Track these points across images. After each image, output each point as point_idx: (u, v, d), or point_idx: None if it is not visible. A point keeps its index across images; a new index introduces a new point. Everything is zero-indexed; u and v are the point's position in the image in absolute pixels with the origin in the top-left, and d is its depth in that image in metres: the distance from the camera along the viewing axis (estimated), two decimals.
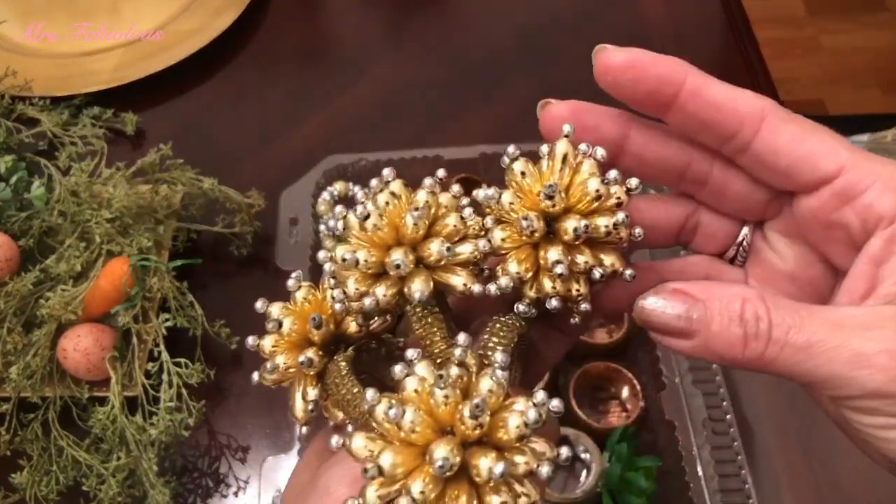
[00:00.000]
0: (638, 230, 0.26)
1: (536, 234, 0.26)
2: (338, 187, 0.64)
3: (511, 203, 0.27)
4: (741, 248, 0.27)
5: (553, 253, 0.26)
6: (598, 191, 0.26)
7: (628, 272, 0.26)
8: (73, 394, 0.56)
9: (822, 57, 1.85)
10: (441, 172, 0.30)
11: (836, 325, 0.21)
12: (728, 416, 0.57)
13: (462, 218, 0.28)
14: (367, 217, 0.29)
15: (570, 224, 0.26)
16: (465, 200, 0.30)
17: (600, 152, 0.27)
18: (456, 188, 0.30)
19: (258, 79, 0.85)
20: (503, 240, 0.27)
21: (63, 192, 0.63)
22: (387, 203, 0.29)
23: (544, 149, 0.28)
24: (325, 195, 0.64)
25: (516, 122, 0.80)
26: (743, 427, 0.57)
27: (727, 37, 0.88)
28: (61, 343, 0.56)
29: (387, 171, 0.30)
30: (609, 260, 0.26)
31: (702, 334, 0.23)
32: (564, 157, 0.27)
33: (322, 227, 0.62)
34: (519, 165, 0.28)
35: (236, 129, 0.80)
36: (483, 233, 0.28)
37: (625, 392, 0.58)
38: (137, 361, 0.57)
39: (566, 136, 0.28)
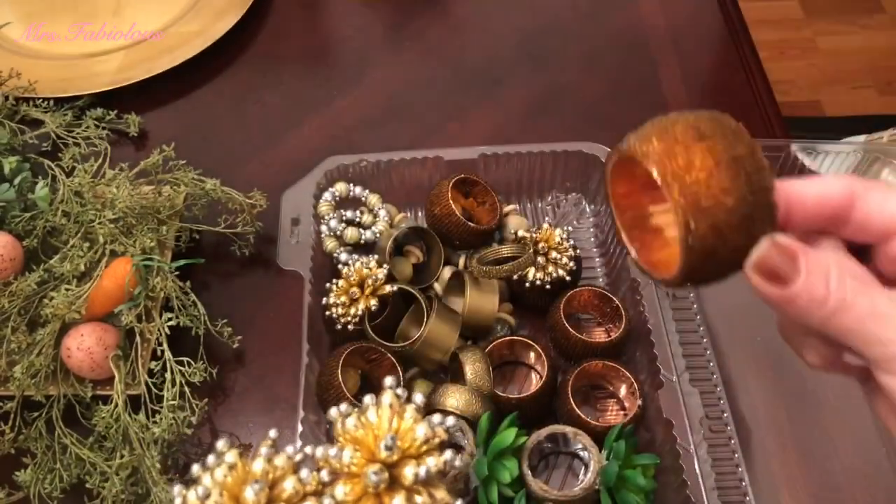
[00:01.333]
0: (458, 463, 0.32)
1: (382, 486, 0.30)
2: (339, 188, 0.65)
3: (352, 458, 0.31)
4: None
5: (398, 500, 0.30)
6: (426, 434, 0.31)
7: None
8: (77, 392, 0.57)
9: (818, 58, 1.86)
10: None
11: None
12: (725, 415, 0.58)
13: (300, 479, 0.32)
14: (207, 496, 0.31)
15: (409, 470, 0.31)
16: (299, 456, 0.33)
17: (419, 399, 0.33)
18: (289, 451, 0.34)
19: (260, 80, 0.85)
20: (346, 494, 0.31)
21: (67, 192, 0.63)
22: (225, 476, 0.31)
23: (368, 400, 0.33)
24: (327, 196, 0.65)
25: (516, 123, 0.81)
26: (740, 425, 0.58)
27: (724, 39, 0.89)
28: (65, 342, 0.57)
29: (220, 444, 0.33)
30: (440, 494, 0.32)
31: (793, 284, 0.27)
32: (391, 406, 0.32)
33: (323, 228, 0.63)
34: (352, 421, 0.32)
35: (238, 130, 0.81)
36: (320, 487, 0.32)
37: (623, 390, 0.59)
38: (140, 360, 0.58)
39: (390, 388, 0.33)
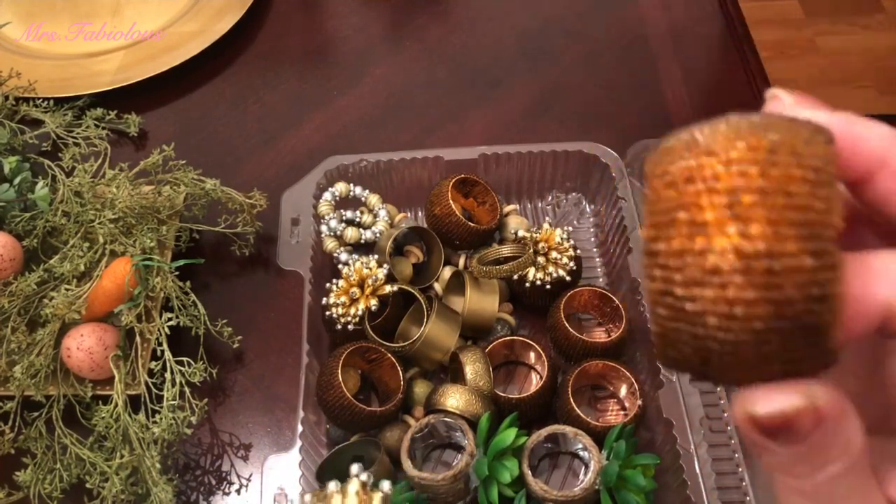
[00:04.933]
0: None
1: None
2: (339, 188, 0.65)
3: None
4: None
5: None
6: None
7: None
8: (77, 392, 0.57)
9: (818, 58, 1.85)
10: None
11: None
12: (725, 415, 0.58)
13: None
14: None
15: None
16: None
17: (386, 486, 0.34)
18: None
19: (260, 80, 0.85)
20: None
21: (67, 192, 0.63)
22: None
23: (332, 486, 0.33)
24: (327, 195, 0.65)
25: (516, 123, 0.81)
26: None
27: (725, 38, 0.89)
28: (65, 342, 0.57)
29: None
30: None
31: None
32: (357, 494, 0.33)
33: (323, 228, 0.63)
34: None
35: (238, 130, 0.81)
36: None
37: (623, 390, 0.59)
38: (140, 360, 0.58)
39: (356, 476, 0.35)
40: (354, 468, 0.33)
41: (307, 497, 0.32)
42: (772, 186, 0.17)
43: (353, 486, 0.31)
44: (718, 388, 0.59)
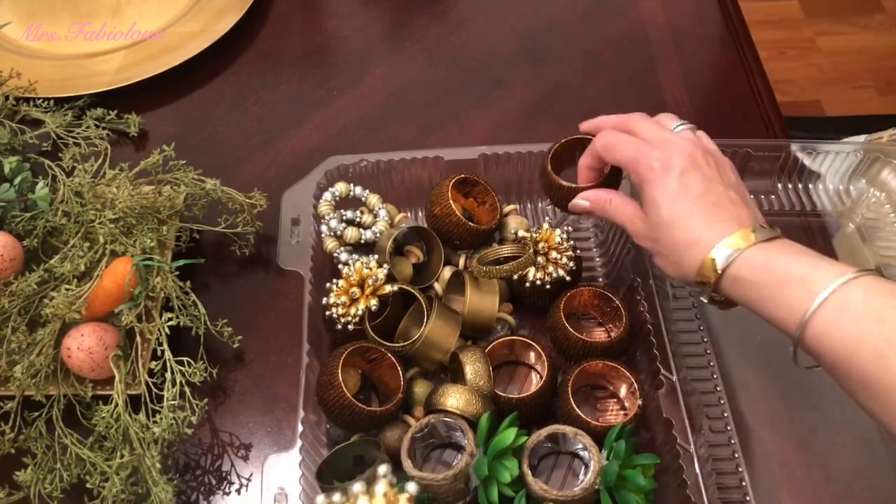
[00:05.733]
0: None
1: None
2: (339, 188, 0.65)
3: None
4: None
5: None
6: None
7: None
8: (77, 392, 0.57)
9: (818, 58, 1.86)
10: None
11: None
12: (725, 415, 0.58)
13: None
14: None
15: None
16: None
17: (412, 487, 0.33)
18: None
19: (260, 80, 0.85)
20: None
21: (67, 192, 0.63)
22: None
23: (358, 487, 0.33)
24: (327, 195, 0.65)
25: (516, 123, 0.81)
26: (740, 425, 0.58)
27: (724, 39, 0.89)
28: (65, 342, 0.57)
29: None
30: None
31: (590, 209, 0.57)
32: (385, 495, 0.32)
33: (323, 228, 0.63)
34: None
35: (238, 130, 0.81)
36: None
37: (623, 390, 0.59)
38: (140, 360, 0.58)
39: (384, 477, 0.33)
40: (382, 468, 0.32)
41: (335, 497, 0.32)
42: None
43: (381, 486, 0.31)
44: (718, 388, 0.59)
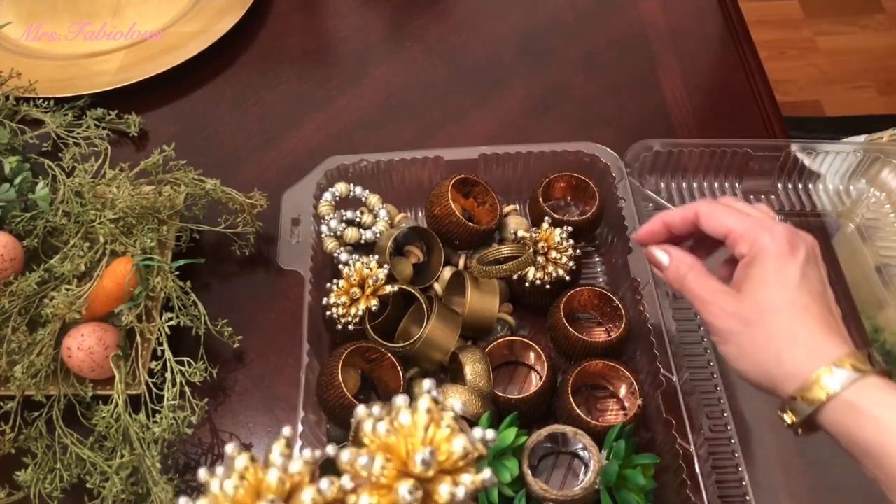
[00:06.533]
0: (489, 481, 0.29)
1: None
2: (339, 188, 0.65)
3: (383, 468, 0.28)
4: None
5: None
6: (465, 448, 0.28)
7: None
8: (77, 392, 0.57)
9: (818, 58, 1.86)
10: None
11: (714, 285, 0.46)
12: (725, 414, 0.58)
13: (319, 491, 0.28)
14: None
15: (445, 489, 0.27)
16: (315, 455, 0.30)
17: (458, 406, 0.30)
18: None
19: (260, 80, 0.85)
20: None
21: (67, 192, 0.63)
22: (236, 488, 0.28)
23: (400, 401, 0.29)
24: (327, 195, 0.65)
25: (516, 123, 0.81)
26: (740, 425, 0.58)
27: (724, 39, 0.89)
28: (65, 342, 0.57)
29: (229, 449, 0.29)
30: None
31: (666, 267, 0.49)
32: (428, 412, 0.29)
33: (323, 228, 0.63)
34: (384, 426, 0.29)
35: (238, 130, 0.81)
36: (341, 495, 0.28)
37: (623, 390, 0.59)
38: (141, 360, 0.58)
39: (428, 392, 0.30)
40: (427, 383, 0.30)
41: (374, 408, 0.29)
42: None
43: (424, 402, 0.29)
44: (718, 388, 0.59)
